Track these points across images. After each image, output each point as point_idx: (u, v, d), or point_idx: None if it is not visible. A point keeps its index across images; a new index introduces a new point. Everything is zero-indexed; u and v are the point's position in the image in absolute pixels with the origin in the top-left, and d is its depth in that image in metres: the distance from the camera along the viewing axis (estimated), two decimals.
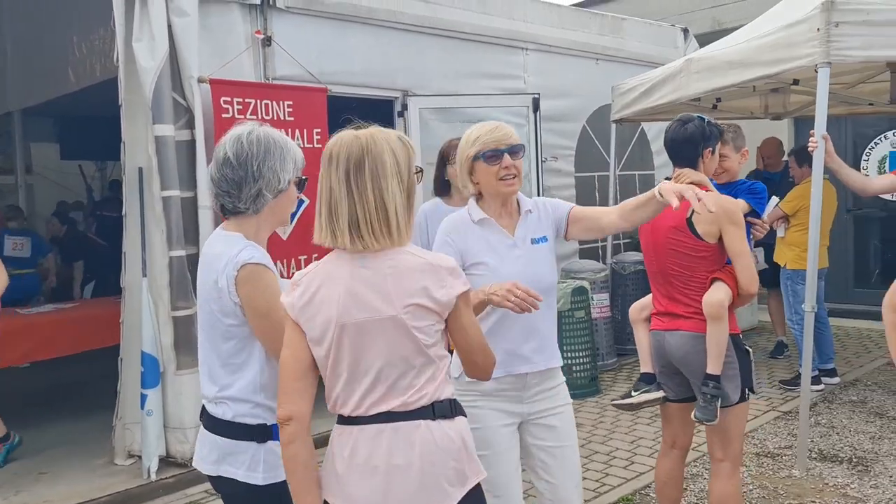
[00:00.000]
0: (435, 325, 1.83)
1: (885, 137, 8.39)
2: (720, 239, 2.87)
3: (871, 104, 6.72)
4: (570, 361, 5.83)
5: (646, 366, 3.15)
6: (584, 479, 4.23)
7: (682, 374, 3.01)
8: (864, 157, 8.63)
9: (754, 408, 5.29)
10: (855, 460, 4.26)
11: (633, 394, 3.14)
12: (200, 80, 4.41)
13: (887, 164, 8.21)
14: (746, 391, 2.92)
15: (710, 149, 2.99)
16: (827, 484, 3.98)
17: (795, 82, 5.62)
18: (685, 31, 8.32)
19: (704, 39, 8.34)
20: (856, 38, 3.96)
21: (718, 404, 2.84)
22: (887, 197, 6.93)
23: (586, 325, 5.92)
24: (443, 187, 3.68)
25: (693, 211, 2.82)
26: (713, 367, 2.84)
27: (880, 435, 4.65)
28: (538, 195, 6.32)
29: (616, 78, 6.91)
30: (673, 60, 7.77)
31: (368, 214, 1.74)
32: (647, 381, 3.13)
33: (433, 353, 1.83)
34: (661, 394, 3.10)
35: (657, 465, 3.30)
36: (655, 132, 8.17)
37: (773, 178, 6.64)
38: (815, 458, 4.31)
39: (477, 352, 1.93)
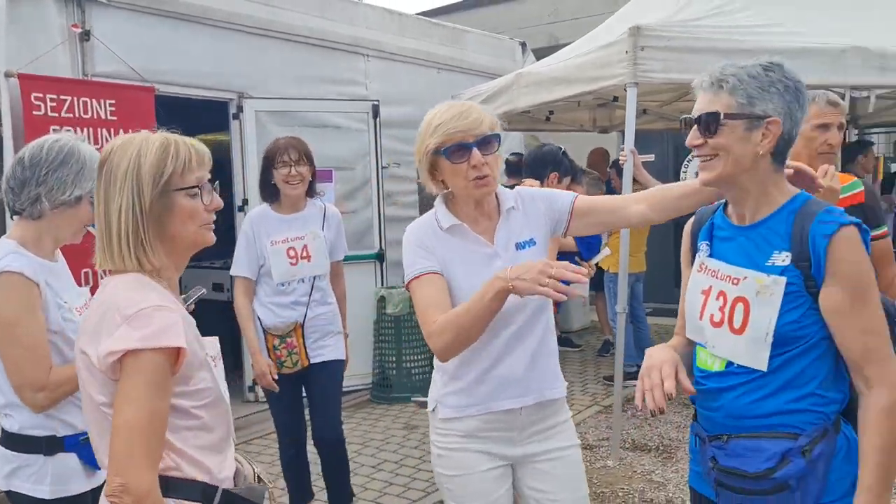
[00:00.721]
0: (104, 384, 1.44)
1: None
2: None
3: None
4: (409, 365, 5.94)
5: None
6: (415, 479, 4.33)
7: None
8: (682, 168, 9.41)
9: (579, 403, 5.64)
10: (661, 448, 4.64)
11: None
12: (8, 75, 4.12)
13: None
14: None
15: (557, 174, 3.28)
16: (636, 471, 4.31)
17: (615, 99, 6.05)
18: (523, 45, 8.70)
19: (542, 54, 8.76)
20: (658, 61, 4.32)
21: None
22: None
23: None
24: (270, 193, 3.43)
25: None
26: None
27: (685, 424, 5.08)
28: (378, 200, 6.39)
29: (457, 87, 7.10)
30: (512, 72, 8.14)
31: (99, 230, 1.52)
32: None
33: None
34: None
35: None
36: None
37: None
38: (627, 448, 4.65)
39: (121, 455, 1.36)
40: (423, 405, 3.36)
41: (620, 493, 4.02)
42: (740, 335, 1.65)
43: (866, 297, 1.56)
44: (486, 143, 1.92)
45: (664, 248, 9.27)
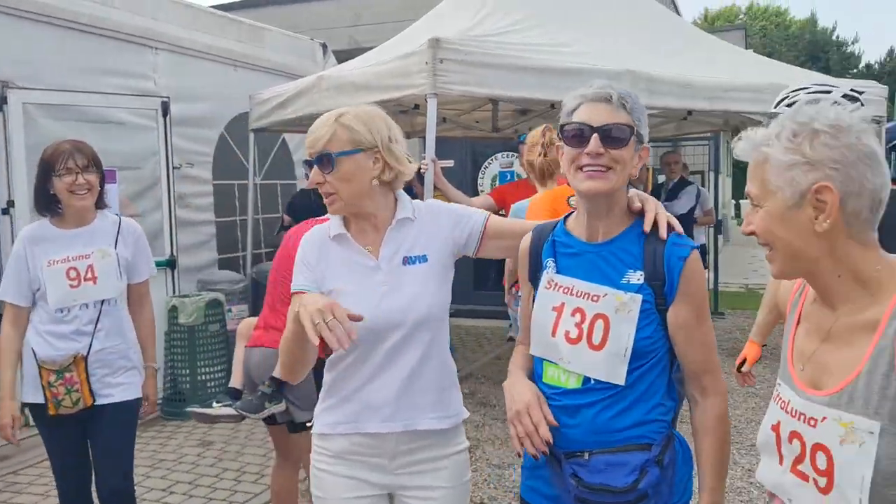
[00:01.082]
0: None
1: (496, 159, 9.65)
2: None
3: (481, 130, 7.67)
4: (204, 377, 5.64)
5: (236, 381, 3.19)
6: (211, 499, 4.12)
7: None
8: (480, 175, 9.84)
9: None
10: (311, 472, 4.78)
11: (215, 405, 3.14)
12: None
13: (497, 182, 9.45)
14: None
15: None
16: None
17: (416, 107, 6.16)
18: (324, 46, 8.60)
19: (343, 56, 8.70)
20: (457, 74, 4.46)
21: (269, 405, 2.91)
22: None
23: (222, 339, 5.78)
24: (48, 204, 2.89)
25: None
26: (277, 370, 2.91)
27: (483, 423, 5.29)
28: (169, 202, 6.01)
29: (255, 86, 6.87)
30: (312, 73, 8.01)
31: None
32: (233, 396, 3.17)
33: None
34: (239, 412, 3.09)
35: (272, 478, 3.37)
36: (297, 143, 8.31)
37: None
38: None
39: None
40: (203, 418, 3.19)
41: None
42: (599, 351, 1.68)
43: (706, 313, 1.69)
44: (320, 161, 1.86)
45: None
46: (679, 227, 1.73)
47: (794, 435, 1.31)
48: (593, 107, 1.68)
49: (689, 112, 6.09)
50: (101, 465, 2.92)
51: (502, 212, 5.12)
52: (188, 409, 3.23)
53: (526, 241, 1.90)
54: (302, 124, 6.59)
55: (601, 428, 1.68)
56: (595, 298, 1.70)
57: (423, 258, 1.94)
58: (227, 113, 7.15)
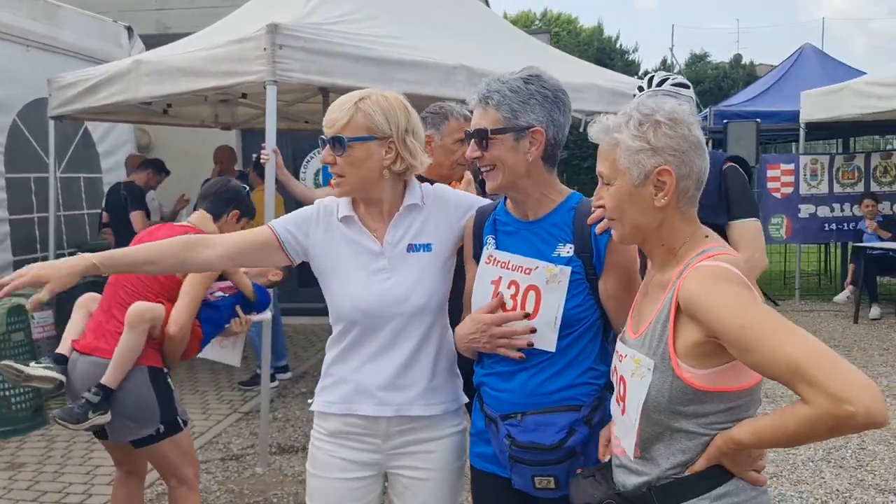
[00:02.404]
0: None
1: (319, 153, 9.48)
2: None
3: (307, 122, 7.50)
4: (7, 392, 5.02)
5: (63, 347, 2.90)
6: None
7: None
8: (302, 169, 9.61)
9: (217, 413, 5.38)
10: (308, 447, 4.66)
11: (33, 364, 2.83)
12: None
13: (321, 178, 9.29)
14: (180, 421, 2.88)
15: (238, 212, 3.17)
16: (287, 475, 4.27)
17: (244, 96, 5.90)
18: (129, 29, 7.98)
19: (150, 41, 8.11)
20: (296, 61, 4.32)
21: (93, 415, 2.72)
22: None
23: (27, 348, 5.18)
24: None
25: None
26: (108, 378, 2.73)
27: None
28: None
29: (53, 70, 6.21)
30: (117, 58, 7.36)
31: None
32: (58, 361, 2.87)
33: None
34: (58, 376, 2.84)
35: (113, 494, 3.09)
36: (102, 133, 7.64)
37: None
38: (275, 453, 4.58)
39: None
40: (14, 375, 2.81)
41: (274, 500, 3.94)
42: (532, 320, 1.77)
43: (635, 282, 1.78)
44: (335, 143, 1.86)
45: None
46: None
47: (614, 370, 1.61)
48: (475, 113, 1.82)
49: None
50: None
51: None
52: (2, 363, 2.83)
53: (470, 220, 1.98)
54: (115, 111, 6.08)
55: (533, 391, 1.79)
56: (527, 271, 1.79)
57: (428, 247, 1.96)
58: (20, 98, 6.41)
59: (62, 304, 6.05)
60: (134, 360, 2.75)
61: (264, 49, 4.24)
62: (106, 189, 7.76)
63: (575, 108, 5.91)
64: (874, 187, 9.19)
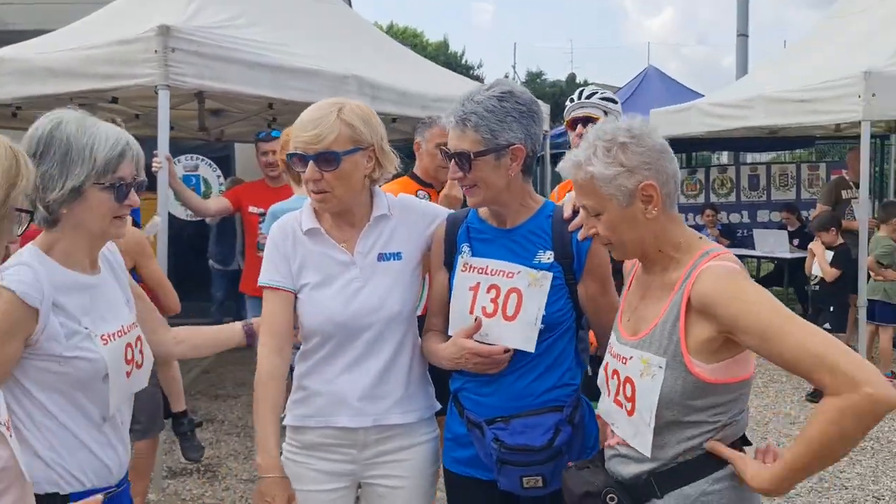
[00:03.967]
0: None
1: (178, 161, 9.03)
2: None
3: (172, 128, 7.13)
4: None
5: None
6: None
7: None
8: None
9: None
10: (203, 469, 4.45)
11: None
12: None
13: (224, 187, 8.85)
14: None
15: None
16: (185, 499, 4.06)
17: (115, 100, 5.54)
18: None
19: None
20: (190, 66, 4.14)
21: None
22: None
23: None
24: None
25: None
26: None
27: (217, 439, 4.98)
28: None
29: None
30: None
31: None
32: None
33: None
34: None
35: None
36: None
37: None
38: (167, 477, 4.33)
39: None
40: None
41: None
42: (513, 321, 1.82)
43: (611, 284, 1.89)
44: (325, 160, 1.82)
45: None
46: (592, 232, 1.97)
47: (614, 372, 1.66)
48: (452, 133, 1.86)
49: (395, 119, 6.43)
50: None
51: (239, 213, 4.89)
52: None
53: (441, 228, 2.00)
54: None
55: (519, 394, 1.86)
56: (510, 275, 1.85)
57: (398, 255, 1.97)
58: None
59: None
60: None
61: (155, 51, 4.04)
62: None
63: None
64: (713, 198, 10.14)
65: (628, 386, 1.60)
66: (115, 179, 1.68)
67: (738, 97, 7.07)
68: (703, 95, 9.16)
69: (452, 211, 2.15)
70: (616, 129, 1.59)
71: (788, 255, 8.29)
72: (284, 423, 2.00)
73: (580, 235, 1.79)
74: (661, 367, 1.53)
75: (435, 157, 3.12)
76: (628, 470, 1.63)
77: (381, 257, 1.96)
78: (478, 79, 31.84)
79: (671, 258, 1.63)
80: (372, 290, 1.92)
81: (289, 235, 1.96)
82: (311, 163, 1.84)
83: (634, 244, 1.63)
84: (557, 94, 32.48)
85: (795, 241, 8.46)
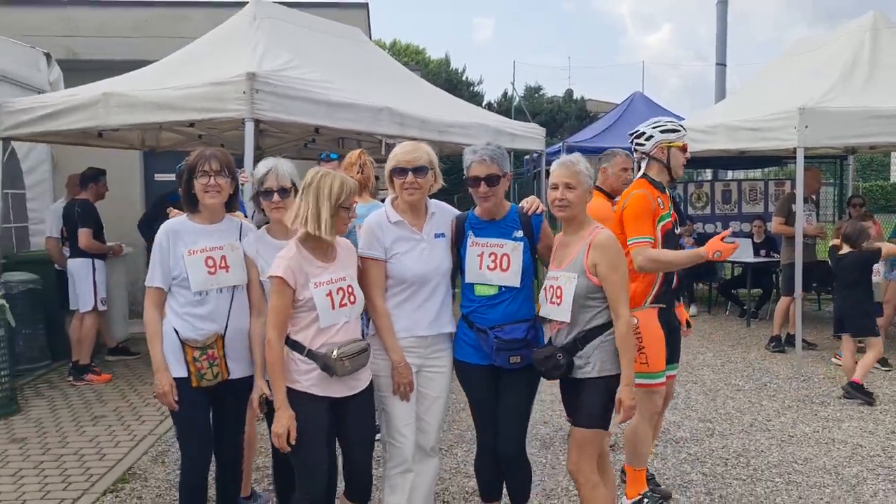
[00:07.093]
0: None
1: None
2: None
3: (222, 145, 8.36)
4: None
5: None
6: (48, 483, 4.47)
7: None
8: None
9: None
10: None
11: None
12: None
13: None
14: None
15: None
16: None
17: (192, 125, 6.77)
18: (48, 55, 8.46)
19: (60, 67, 8.58)
20: (268, 102, 5.43)
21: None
22: None
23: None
24: (191, 202, 3.22)
25: None
26: None
27: None
28: None
29: None
30: (36, 83, 7.98)
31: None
32: None
33: None
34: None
35: None
36: (24, 152, 8.09)
37: None
38: None
39: None
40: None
41: None
42: (506, 272, 3.13)
43: (553, 241, 3.24)
44: (418, 170, 3.11)
45: None
46: (543, 208, 3.25)
47: (550, 287, 3.12)
48: (479, 164, 3.14)
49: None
50: (226, 433, 3.35)
51: None
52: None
53: (453, 222, 3.31)
54: (80, 136, 6.80)
55: (509, 312, 3.15)
56: (501, 246, 3.18)
57: (443, 235, 3.27)
58: None
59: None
60: None
61: (244, 92, 5.31)
62: (29, 205, 8.26)
63: (462, 142, 7.32)
64: (691, 210, 11.42)
65: (559, 290, 3.08)
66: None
67: (704, 124, 8.31)
68: (684, 119, 10.41)
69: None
70: (575, 158, 3.14)
71: (752, 260, 9.53)
72: (373, 337, 3.24)
73: (535, 210, 3.22)
74: (575, 277, 3.03)
75: (619, 177, 4.55)
76: (565, 340, 3.03)
77: (437, 236, 3.23)
78: (477, 95, 33.07)
79: (580, 224, 3.13)
80: (434, 256, 3.19)
81: (381, 225, 3.19)
82: (410, 172, 3.11)
83: (579, 210, 3.11)
84: (555, 109, 33.80)
85: (763, 252, 9.71)
